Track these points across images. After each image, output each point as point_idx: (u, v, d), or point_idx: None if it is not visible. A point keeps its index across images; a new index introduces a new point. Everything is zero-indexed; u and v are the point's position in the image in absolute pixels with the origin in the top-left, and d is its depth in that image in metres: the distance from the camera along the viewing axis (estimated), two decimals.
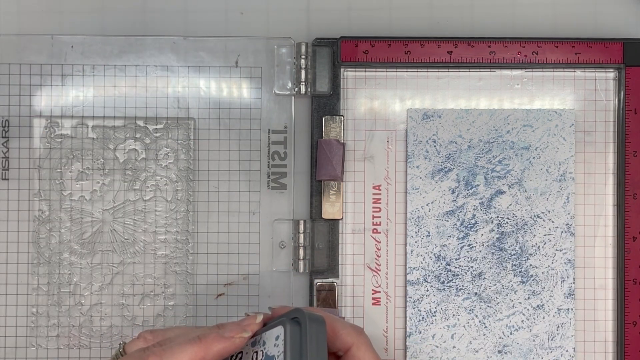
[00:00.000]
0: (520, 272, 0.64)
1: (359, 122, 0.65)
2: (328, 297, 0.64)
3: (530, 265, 0.64)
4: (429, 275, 0.64)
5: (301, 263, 0.64)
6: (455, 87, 0.65)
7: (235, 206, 0.65)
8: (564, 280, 0.64)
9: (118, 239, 0.64)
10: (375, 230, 0.65)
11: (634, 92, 0.64)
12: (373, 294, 0.65)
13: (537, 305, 0.64)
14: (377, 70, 0.65)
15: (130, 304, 0.64)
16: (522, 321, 0.64)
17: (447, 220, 0.64)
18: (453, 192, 0.64)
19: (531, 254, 0.64)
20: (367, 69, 0.65)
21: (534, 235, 0.64)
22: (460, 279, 0.64)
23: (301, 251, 0.64)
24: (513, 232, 0.64)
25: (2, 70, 0.64)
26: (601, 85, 0.65)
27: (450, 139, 0.65)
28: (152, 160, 0.65)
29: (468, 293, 0.64)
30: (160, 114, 0.65)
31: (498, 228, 0.64)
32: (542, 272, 0.64)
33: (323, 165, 0.64)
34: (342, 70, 0.65)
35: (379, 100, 0.65)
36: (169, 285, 0.64)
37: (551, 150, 0.65)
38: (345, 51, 0.64)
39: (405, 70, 0.65)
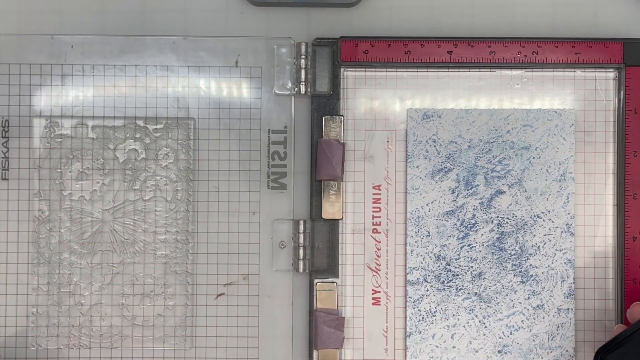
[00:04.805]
0: (520, 272, 0.64)
1: (359, 122, 0.65)
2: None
3: (530, 265, 0.64)
4: (429, 275, 0.64)
5: (301, 263, 0.64)
6: (455, 87, 0.65)
7: (235, 206, 0.65)
8: (564, 280, 0.64)
9: (118, 239, 0.64)
10: (375, 230, 0.65)
11: (634, 92, 0.64)
12: (373, 294, 0.65)
13: (537, 305, 0.64)
14: (377, 70, 0.65)
15: (130, 304, 0.64)
16: (522, 321, 0.64)
17: (447, 220, 0.64)
18: (453, 192, 0.64)
19: (531, 254, 0.64)
20: (367, 69, 0.65)
21: (534, 235, 0.64)
22: (460, 279, 0.64)
23: (301, 251, 0.64)
24: (513, 232, 0.64)
25: (2, 70, 0.64)
26: (601, 85, 0.65)
27: (450, 139, 0.65)
28: (152, 160, 0.65)
29: (468, 293, 0.64)
30: (160, 114, 0.65)
31: (498, 228, 0.64)
32: (542, 272, 0.64)
33: (323, 165, 0.64)
34: (342, 70, 0.65)
35: (379, 100, 0.65)
36: (169, 285, 0.64)
37: (551, 150, 0.65)
38: (345, 51, 0.64)
39: (405, 70, 0.65)
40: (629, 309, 0.59)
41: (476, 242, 0.64)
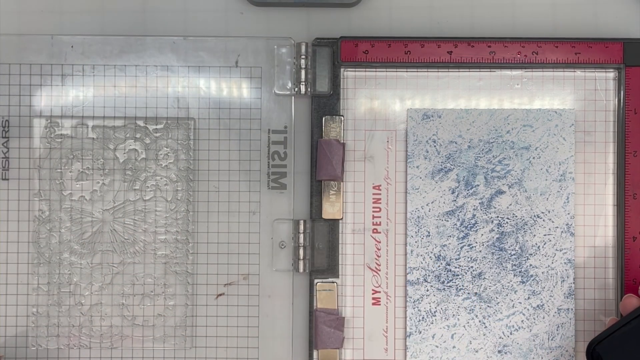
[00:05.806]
0: (520, 272, 0.64)
1: (359, 122, 0.65)
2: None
3: (530, 265, 0.64)
4: (429, 275, 0.64)
5: (301, 263, 0.64)
6: (455, 87, 0.65)
7: (235, 206, 0.65)
8: (564, 280, 0.64)
9: (118, 239, 0.64)
10: (375, 230, 0.65)
11: (634, 92, 0.64)
12: (373, 294, 0.65)
13: (537, 305, 0.64)
14: (377, 70, 0.65)
15: (130, 304, 0.64)
16: (522, 321, 0.64)
17: (447, 220, 0.64)
18: (453, 192, 0.64)
19: (531, 254, 0.64)
20: (367, 69, 0.65)
21: (534, 235, 0.64)
22: (460, 279, 0.64)
23: (301, 251, 0.64)
24: (513, 232, 0.64)
25: (2, 70, 0.64)
26: (601, 85, 0.65)
27: (450, 139, 0.65)
28: (152, 160, 0.65)
29: (468, 293, 0.64)
30: (160, 114, 0.65)
31: (498, 228, 0.64)
32: (542, 272, 0.64)
33: (323, 165, 0.64)
34: (342, 70, 0.65)
35: (379, 100, 0.65)
36: (169, 285, 0.64)
37: (551, 150, 0.65)
38: (345, 51, 0.64)
39: (405, 70, 0.65)
40: (622, 300, 0.59)
41: (476, 242, 0.64)
